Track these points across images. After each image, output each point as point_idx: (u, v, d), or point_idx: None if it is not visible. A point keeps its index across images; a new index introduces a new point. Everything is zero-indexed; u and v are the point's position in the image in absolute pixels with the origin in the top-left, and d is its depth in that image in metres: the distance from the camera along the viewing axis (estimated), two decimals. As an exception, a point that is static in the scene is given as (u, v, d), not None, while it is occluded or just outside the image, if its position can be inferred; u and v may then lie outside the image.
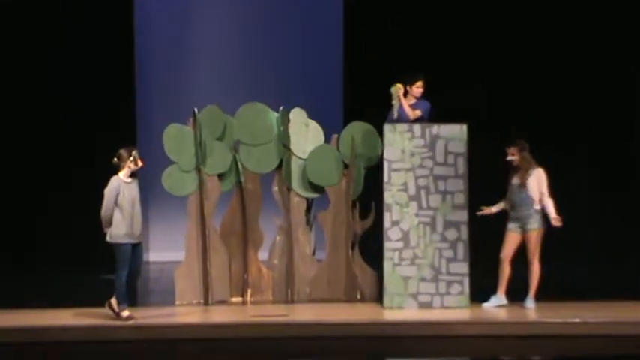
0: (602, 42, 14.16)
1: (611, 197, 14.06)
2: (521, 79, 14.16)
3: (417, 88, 10.97)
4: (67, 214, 14.04)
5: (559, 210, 10.68)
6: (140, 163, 10.19)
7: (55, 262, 13.78)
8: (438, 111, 10.96)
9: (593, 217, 14.02)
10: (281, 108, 11.34)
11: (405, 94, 10.96)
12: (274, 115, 11.37)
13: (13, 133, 14.20)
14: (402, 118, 10.90)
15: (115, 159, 10.17)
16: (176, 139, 11.21)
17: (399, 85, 10.89)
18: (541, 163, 10.74)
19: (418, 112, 10.92)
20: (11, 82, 14.13)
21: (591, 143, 14.16)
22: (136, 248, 10.18)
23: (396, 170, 10.79)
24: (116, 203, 10.05)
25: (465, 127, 10.79)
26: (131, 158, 10.13)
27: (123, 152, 10.18)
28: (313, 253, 11.54)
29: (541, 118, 13.90)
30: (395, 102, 10.86)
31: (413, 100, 11.00)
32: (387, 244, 10.79)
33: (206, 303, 11.21)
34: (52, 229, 14.08)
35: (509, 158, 10.73)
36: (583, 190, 13.99)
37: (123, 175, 10.17)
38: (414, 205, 10.78)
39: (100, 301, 10.30)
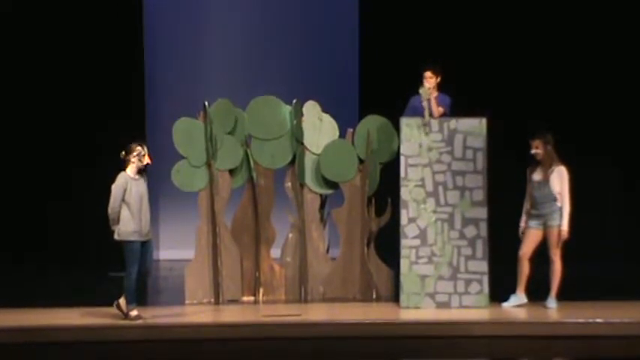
0: (632, 38, 14.00)
1: (636, 196, 13.90)
2: (544, 74, 14.02)
3: (425, 79, 10.75)
4: (75, 212, 13.96)
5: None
6: (147, 160, 9.99)
7: (62, 261, 13.73)
8: (460, 106, 10.81)
9: (618, 215, 13.92)
10: (294, 101, 11.16)
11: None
12: (287, 109, 11.23)
13: (20, 129, 14.19)
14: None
15: (123, 152, 9.99)
16: (186, 133, 11.08)
17: (428, 87, 10.72)
18: (564, 160, 10.53)
19: (441, 109, 10.79)
20: (15, 79, 14.03)
21: (616, 143, 14.00)
22: (146, 246, 10.03)
23: (412, 165, 10.63)
24: (123, 200, 9.87)
25: (484, 120, 10.65)
26: (134, 153, 9.91)
27: (131, 147, 10.00)
28: (327, 251, 11.41)
29: (563, 114, 13.71)
30: (424, 103, 10.66)
31: (434, 94, 10.81)
32: (403, 242, 10.62)
33: (217, 302, 11.08)
34: (60, 227, 14.03)
35: (532, 151, 10.51)
36: (607, 188, 13.88)
37: (130, 171, 9.98)
38: (431, 201, 10.62)
39: (108, 300, 10.17)
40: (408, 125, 10.63)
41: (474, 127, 10.62)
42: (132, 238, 9.88)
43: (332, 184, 11.28)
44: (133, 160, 9.95)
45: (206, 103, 11.08)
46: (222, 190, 11.13)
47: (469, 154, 10.61)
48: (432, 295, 10.60)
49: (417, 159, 10.62)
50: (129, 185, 9.90)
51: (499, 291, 10.65)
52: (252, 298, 11.20)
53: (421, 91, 10.70)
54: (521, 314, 10.36)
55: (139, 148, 9.99)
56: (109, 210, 9.90)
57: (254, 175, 11.17)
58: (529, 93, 13.90)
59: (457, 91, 10.94)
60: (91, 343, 9.70)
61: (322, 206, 11.34)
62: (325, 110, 11.28)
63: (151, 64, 14.71)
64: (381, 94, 12.99)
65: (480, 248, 10.60)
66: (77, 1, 14.21)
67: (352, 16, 14.67)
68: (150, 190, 10.18)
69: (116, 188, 9.87)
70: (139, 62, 14.48)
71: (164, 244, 14.71)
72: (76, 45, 14.14)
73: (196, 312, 10.63)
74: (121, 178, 9.91)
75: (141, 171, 10.04)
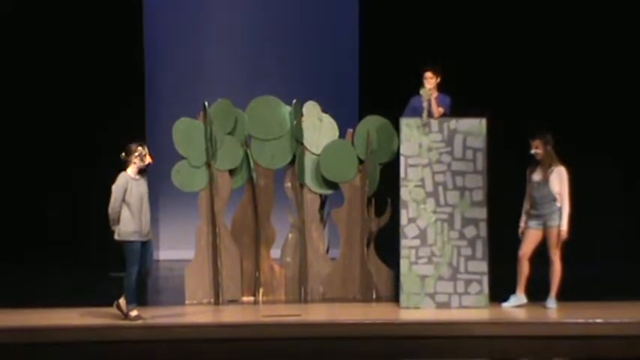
0: (632, 38, 13.98)
1: (636, 196, 13.90)
2: (544, 74, 14.02)
3: (426, 80, 10.75)
4: (75, 212, 13.97)
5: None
6: (148, 160, 9.96)
7: (62, 261, 13.73)
8: (460, 106, 10.81)
9: (618, 215, 13.89)
10: (294, 101, 11.13)
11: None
12: (287, 109, 11.21)
13: (21, 129, 14.21)
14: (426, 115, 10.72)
15: (123, 153, 9.96)
16: (186, 133, 11.05)
17: (428, 87, 10.70)
18: (564, 160, 10.52)
19: (441, 110, 10.79)
20: (15, 79, 14.03)
21: (616, 143, 13.99)
22: (146, 246, 10.01)
23: (412, 166, 10.61)
24: (124, 200, 9.85)
25: (483, 121, 10.62)
26: (136, 154, 9.90)
27: (131, 147, 9.98)
28: (327, 251, 11.38)
29: (563, 114, 13.69)
30: (425, 104, 10.64)
31: (434, 94, 10.81)
32: (403, 242, 10.60)
33: (217, 302, 11.05)
34: (60, 227, 14.01)
35: (532, 151, 10.49)
36: (607, 188, 13.86)
37: (130, 171, 9.96)
38: (431, 201, 10.60)
39: (108, 300, 10.15)
40: (408, 125, 10.61)
41: (474, 127, 10.60)
42: (132, 239, 9.87)
43: (332, 185, 11.25)
44: (135, 160, 9.93)
45: (206, 104, 11.05)
46: (222, 190, 11.11)
47: (469, 154, 10.59)
48: (431, 296, 10.58)
49: (416, 159, 10.59)
50: (129, 185, 9.88)
51: (499, 291, 10.63)
52: (252, 299, 11.17)
53: (422, 91, 10.69)
54: (521, 314, 10.34)
55: (140, 148, 9.96)
56: (110, 210, 9.88)
57: (254, 175, 11.15)
58: (529, 93, 13.88)
59: (457, 91, 10.92)
60: (91, 343, 9.67)
61: (322, 206, 11.31)
62: (325, 110, 11.26)
63: (151, 64, 14.69)
64: (380, 95, 12.97)
65: (480, 248, 10.58)
66: (77, 1, 14.20)
67: (352, 16, 14.65)
68: (150, 190, 10.16)
69: (117, 188, 9.86)
70: (139, 62, 14.47)
71: (164, 245, 14.69)
72: (76, 45, 14.14)
73: (196, 312, 10.60)
74: (121, 178, 9.90)
75: (141, 171, 10.02)
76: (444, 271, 10.58)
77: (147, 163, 9.99)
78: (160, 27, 14.91)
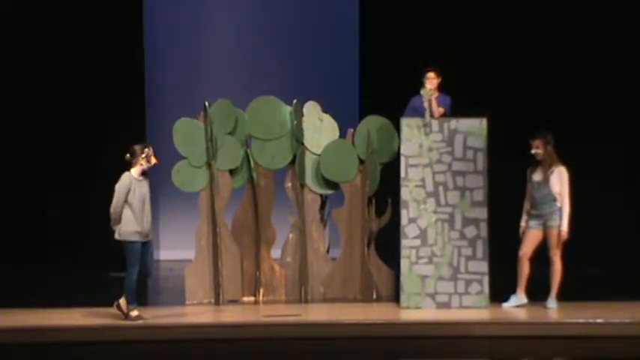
0: (633, 38, 14.00)
1: (636, 196, 13.92)
2: (544, 74, 14.00)
3: (428, 80, 10.74)
4: (75, 212, 13.97)
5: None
6: (154, 160, 9.98)
7: (62, 261, 13.70)
8: (460, 106, 10.81)
9: (618, 215, 13.87)
10: (294, 101, 11.13)
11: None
12: (287, 109, 11.21)
13: (20, 129, 14.20)
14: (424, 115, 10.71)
15: (128, 155, 9.95)
16: (186, 133, 11.05)
17: (430, 87, 10.69)
18: (564, 161, 10.51)
19: (441, 110, 10.79)
20: (14, 79, 14.03)
21: (616, 143, 13.97)
22: (146, 246, 10.01)
23: (413, 166, 10.61)
24: (126, 200, 9.85)
25: (484, 121, 10.63)
26: (143, 155, 9.91)
27: (136, 149, 10.00)
28: (327, 251, 11.38)
29: (563, 114, 13.67)
30: (425, 104, 10.64)
31: (435, 94, 10.80)
32: (403, 242, 10.60)
33: (217, 303, 11.05)
34: (60, 226, 13.99)
35: (532, 151, 10.49)
36: (607, 188, 13.82)
37: (134, 172, 9.96)
38: (431, 201, 10.60)
39: (108, 300, 10.15)
40: (409, 125, 10.61)
41: (475, 128, 10.60)
42: (133, 239, 9.87)
43: (332, 185, 11.25)
44: (141, 162, 9.93)
45: (206, 104, 11.06)
46: (223, 190, 11.10)
47: (469, 154, 10.60)
48: (432, 296, 10.58)
49: (417, 159, 10.60)
50: (132, 186, 9.89)
51: (499, 291, 10.63)
52: (252, 299, 11.17)
53: (422, 91, 10.69)
54: (522, 314, 10.34)
55: (146, 150, 9.97)
56: (112, 210, 9.89)
57: (254, 175, 11.15)
58: (529, 93, 13.86)
59: (457, 91, 10.91)
60: (91, 343, 9.67)
61: (322, 206, 11.32)
62: (325, 110, 11.26)
63: (151, 64, 14.68)
64: (381, 94, 12.98)
65: (480, 248, 10.58)
66: (77, 1, 14.19)
67: (352, 16, 14.65)
68: (151, 191, 10.16)
69: (120, 188, 9.86)
70: (139, 62, 14.46)
71: (164, 245, 14.67)
72: (76, 45, 14.13)
73: (196, 312, 10.60)
74: (125, 179, 9.90)
75: (144, 172, 10.03)
76: (445, 271, 10.58)
77: (153, 163, 10.00)
78: (160, 27, 14.91)
